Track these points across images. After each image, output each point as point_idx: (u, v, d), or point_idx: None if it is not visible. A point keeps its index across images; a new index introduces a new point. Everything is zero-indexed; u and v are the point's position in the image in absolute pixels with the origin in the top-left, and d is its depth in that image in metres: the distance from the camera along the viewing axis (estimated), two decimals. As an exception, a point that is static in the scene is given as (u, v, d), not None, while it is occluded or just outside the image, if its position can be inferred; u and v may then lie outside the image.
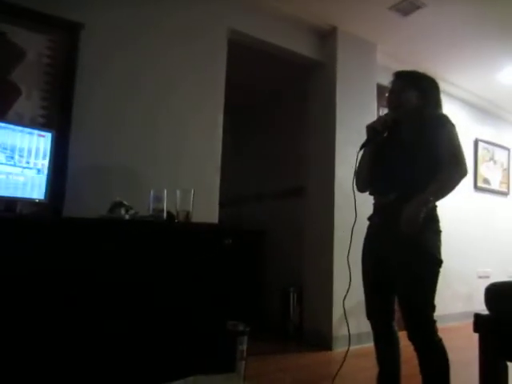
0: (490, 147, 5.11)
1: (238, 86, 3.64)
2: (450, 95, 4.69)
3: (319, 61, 3.48)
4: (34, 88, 2.12)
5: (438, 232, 1.81)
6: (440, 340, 1.75)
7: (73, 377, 1.53)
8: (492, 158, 5.14)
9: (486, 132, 5.12)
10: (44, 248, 1.53)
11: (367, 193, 2.00)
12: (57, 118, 2.15)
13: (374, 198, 1.97)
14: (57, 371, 1.50)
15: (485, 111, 5.12)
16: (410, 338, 1.77)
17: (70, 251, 1.58)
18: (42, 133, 1.90)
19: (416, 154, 1.81)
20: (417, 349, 1.76)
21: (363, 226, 2.00)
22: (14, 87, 2.06)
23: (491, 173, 5.12)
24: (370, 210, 1.98)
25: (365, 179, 1.97)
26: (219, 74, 2.80)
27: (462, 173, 1.73)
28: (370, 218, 1.98)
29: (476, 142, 4.95)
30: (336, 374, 1.84)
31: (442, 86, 4.59)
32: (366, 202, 2.02)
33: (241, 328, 2.16)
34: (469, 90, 4.73)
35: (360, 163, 1.98)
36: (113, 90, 2.36)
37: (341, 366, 1.83)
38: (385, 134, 1.92)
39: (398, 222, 1.71)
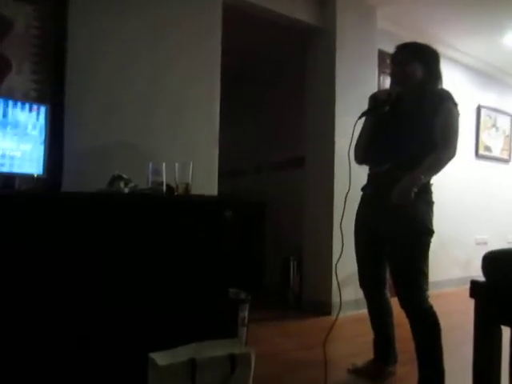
0: (493, 114, 5.05)
1: (235, 56, 3.57)
2: (453, 60, 4.60)
3: (318, 27, 3.39)
4: (24, 61, 2.06)
5: (429, 203, 1.84)
6: (431, 307, 1.80)
7: (74, 347, 1.57)
8: (494, 125, 5.09)
9: (489, 98, 5.05)
10: (43, 223, 1.54)
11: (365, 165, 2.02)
12: (50, 92, 2.11)
13: (369, 169, 2.00)
14: (58, 343, 1.55)
15: (488, 76, 5.03)
16: (402, 306, 1.82)
17: (70, 226, 1.59)
18: (36, 107, 1.87)
19: (414, 128, 1.82)
20: (408, 316, 1.82)
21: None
22: (4, 60, 2.01)
23: (493, 140, 5.09)
24: (365, 179, 2.00)
25: (363, 151, 1.98)
26: (215, 43, 2.73)
27: (450, 155, 1.78)
28: (363, 189, 2.02)
29: (478, 109, 4.89)
30: (325, 339, 1.90)
31: (444, 51, 4.54)
32: (365, 172, 2.03)
33: (242, 296, 2.22)
34: (472, 54, 4.63)
35: (360, 135, 2.00)
36: (106, 62, 2.31)
37: (329, 331, 1.89)
38: (387, 108, 1.91)
39: (389, 192, 1.75)
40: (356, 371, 2.09)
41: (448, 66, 4.57)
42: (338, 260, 1.96)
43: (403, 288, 1.82)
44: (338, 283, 1.97)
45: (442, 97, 1.83)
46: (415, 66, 1.87)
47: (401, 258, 1.81)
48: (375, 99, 1.94)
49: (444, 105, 1.80)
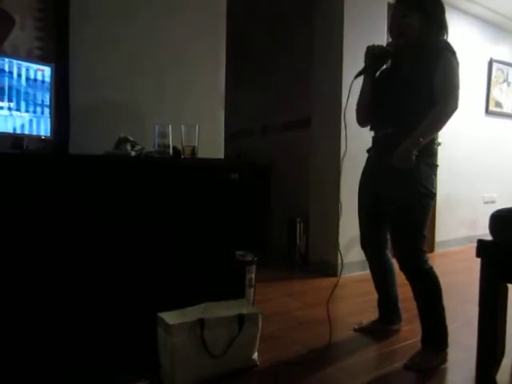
0: (505, 68, 4.89)
1: (242, 16, 3.45)
2: (463, 11, 4.39)
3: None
4: (27, 17, 2.00)
5: (432, 165, 1.80)
6: (430, 268, 1.81)
7: (85, 309, 1.62)
8: (506, 80, 4.94)
9: (502, 52, 4.86)
10: (50, 185, 1.55)
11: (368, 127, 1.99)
12: (54, 50, 2.06)
13: (373, 133, 1.96)
14: (68, 304, 1.59)
15: (501, 28, 4.82)
16: (401, 268, 1.83)
17: (77, 188, 1.60)
18: (42, 67, 1.84)
19: (414, 87, 1.75)
20: (409, 278, 1.84)
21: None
22: (7, 16, 1.95)
23: (504, 96, 4.95)
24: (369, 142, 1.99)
25: (364, 113, 1.95)
26: (221, 3, 2.64)
27: (450, 110, 1.70)
28: (368, 151, 2.00)
29: (490, 63, 4.72)
30: (329, 297, 1.96)
31: (456, 1, 4.32)
32: (371, 133, 2.00)
33: (249, 258, 2.25)
34: (483, 4, 4.38)
35: (360, 97, 1.95)
36: (112, 19, 2.24)
37: (333, 290, 1.94)
38: (385, 65, 1.85)
39: (391, 155, 1.73)
40: (361, 330, 2.15)
41: (458, 18, 4.40)
42: (339, 220, 1.95)
43: (404, 250, 1.82)
44: (339, 246, 1.98)
45: (438, 47, 1.73)
46: (413, 17, 1.76)
47: (401, 220, 1.80)
48: (372, 56, 1.87)
49: (442, 56, 1.71)
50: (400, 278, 2.11)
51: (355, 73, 1.90)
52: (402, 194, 1.77)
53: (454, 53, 1.73)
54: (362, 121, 1.99)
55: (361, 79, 1.94)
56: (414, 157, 1.67)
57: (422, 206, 1.77)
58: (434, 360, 1.78)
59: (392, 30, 1.87)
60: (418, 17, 1.76)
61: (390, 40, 1.90)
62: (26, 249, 1.49)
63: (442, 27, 1.80)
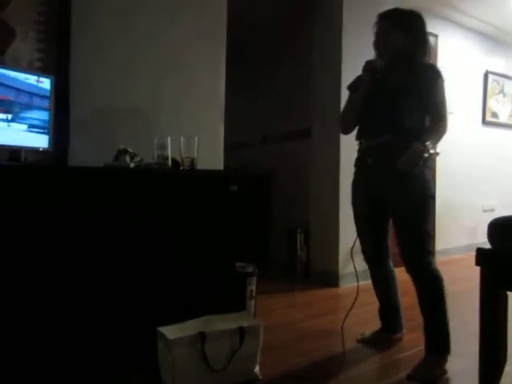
0: (501, 79, 4.95)
1: (241, 26, 3.48)
2: (459, 25, 4.48)
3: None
4: (28, 29, 2.01)
5: (430, 172, 1.88)
6: (437, 270, 1.83)
7: (85, 322, 1.61)
8: (502, 91, 4.99)
9: (497, 64, 4.94)
10: (49, 197, 1.55)
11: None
12: (55, 62, 2.08)
13: (363, 142, 1.98)
14: (67, 316, 1.58)
15: (496, 41, 4.90)
16: (409, 269, 1.85)
17: (75, 200, 1.60)
18: (41, 78, 1.85)
19: (405, 100, 1.83)
20: (415, 280, 1.84)
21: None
22: (8, 27, 1.96)
23: (500, 106, 5.00)
24: None
25: (351, 122, 2.02)
26: (220, 10, 2.67)
27: (446, 129, 1.84)
28: (358, 160, 2.01)
29: (486, 75, 4.79)
30: (344, 320, 1.98)
31: (451, 14, 4.42)
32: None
33: (249, 269, 2.24)
34: (479, 18, 4.48)
35: (346, 106, 2.03)
36: (112, 31, 2.26)
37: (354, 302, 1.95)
38: (372, 79, 1.93)
39: (392, 161, 1.77)
40: (364, 340, 2.13)
41: (454, 31, 4.47)
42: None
43: (413, 251, 1.83)
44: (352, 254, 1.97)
45: (433, 72, 1.85)
46: (397, 34, 1.85)
47: (409, 221, 1.83)
48: (358, 78, 1.98)
49: (437, 81, 1.83)
50: (402, 286, 2.11)
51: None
52: (410, 197, 1.82)
53: (443, 79, 1.86)
54: (348, 129, 2.06)
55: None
56: (422, 161, 1.75)
57: (428, 207, 1.83)
58: (437, 368, 1.77)
59: (376, 45, 1.93)
60: (401, 33, 1.84)
61: (375, 55, 1.96)
62: (24, 261, 1.49)
63: (423, 43, 1.90)
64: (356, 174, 2.04)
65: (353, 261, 2.05)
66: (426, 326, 1.84)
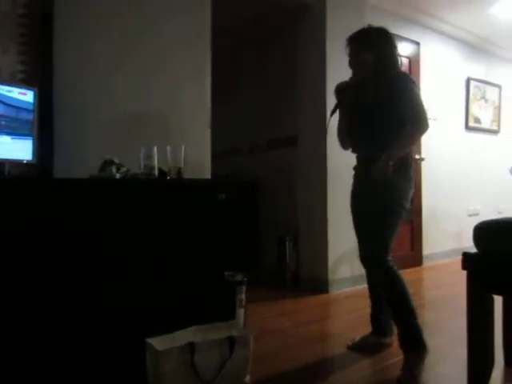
0: (482, 85, 5.06)
1: (226, 35, 3.51)
2: (441, 33, 4.58)
3: (307, 3, 3.33)
4: (10, 42, 2.00)
5: (408, 178, 1.96)
6: (390, 274, 1.91)
7: (71, 334, 1.59)
8: (483, 97, 5.10)
9: (478, 70, 5.05)
10: (34, 210, 1.52)
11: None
12: (37, 74, 2.06)
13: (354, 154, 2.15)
14: (54, 328, 1.56)
15: (476, 48, 5.02)
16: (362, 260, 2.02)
17: (61, 213, 1.58)
18: (24, 90, 1.83)
19: (379, 114, 1.94)
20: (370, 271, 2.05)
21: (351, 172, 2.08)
22: (-10, 41, 1.95)
23: (482, 112, 5.10)
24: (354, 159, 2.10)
25: (344, 139, 2.15)
26: (205, 20, 2.68)
27: (423, 128, 1.88)
28: (354, 168, 2.16)
29: (468, 81, 4.88)
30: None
31: (432, 23, 4.52)
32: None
33: (239, 278, 2.23)
34: (460, 26, 4.60)
35: (338, 126, 2.16)
36: (95, 42, 2.25)
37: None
38: (348, 98, 2.05)
39: (369, 172, 1.89)
40: (354, 346, 2.13)
41: (436, 38, 4.56)
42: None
43: (365, 251, 1.99)
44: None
45: (401, 81, 1.93)
46: (364, 53, 1.98)
47: (368, 222, 1.96)
48: (337, 92, 2.09)
49: (407, 87, 1.91)
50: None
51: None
52: (372, 203, 1.94)
53: (414, 82, 1.95)
54: (343, 146, 2.19)
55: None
56: (391, 169, 1.80)
57: (393, 216, 1.92)
58: (419, 363, 1.82)
59: (351, 65, 2.08)
60: (369, 52, 1.97)
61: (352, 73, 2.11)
62: (11, 275, 1.46)
63: (392, 57, 2.00)
64: (353, 178, 2.17)
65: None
66: (396, 324, 1.93)
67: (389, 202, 1.91)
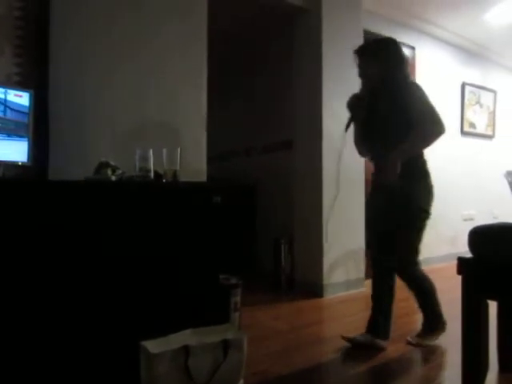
0: (477, 90, 5.09)
1: (222, 39, 3.51)
2: (437, 38, 4.60)
3: (303, 7, 3.34)
4: (6, 44, 2.00)
5: (427, 186, 2.08)
6: (419, 276, 2.14)
7: (65, 336, 1.57)
8: (478, 102, 5.13)
9: (473, 75, 5.08)
10: (29, 212, 1.52)
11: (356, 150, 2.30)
12: (33, 76, 2.06)
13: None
14: (49, 330, 1.55)
15: (472, 53, 5.05)
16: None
17: (56, 215, 1.57)
18: (20, 92, 1.82)
19: (393, 124, 2.01)
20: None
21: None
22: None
23: (477, 117, 5.13)
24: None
25: (361, 148, 2.26)
26: (201, 23, 2.68)
27: (440, 130, 1.95)
28: (372, 174, 2.26)
29: (463, 86, 4.91)
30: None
31: (428, 29, 4.55)
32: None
33: (233, 281, 2.23)
34: (456, 32, 4.64)
35: (354, 135, 2.25)
36: (92, 45, 2.25)
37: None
38: (363, 111, 2.13)
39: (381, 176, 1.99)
40: (349, 338, 2.15)
41: (431, 43, 4.58)
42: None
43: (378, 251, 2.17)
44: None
45: (411, 89, 2.00)
46: (374, 65, 2.06)
47: (388, 232, 2.06)
48: (350, 108, 2.15)
49: (416, 94, 1.98)
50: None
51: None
52: (388, 209, 2.05)
53: (424, 91, 2.01)
54: (361, 154, 2.32)
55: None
56: (398, 169, 1.87)
57: (412, 219, 2.07)
58: (431, 337, 2.11)
59: (360, 77, 2.16)
60: (378, 65, 2.04)
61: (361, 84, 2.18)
62: (3, 278, 1.45)
63: (400, 66, 2.06)
64: (372, 184, 2.27)
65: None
66: (421, 310, 2.17)
67: (404, 207, 2.00)
